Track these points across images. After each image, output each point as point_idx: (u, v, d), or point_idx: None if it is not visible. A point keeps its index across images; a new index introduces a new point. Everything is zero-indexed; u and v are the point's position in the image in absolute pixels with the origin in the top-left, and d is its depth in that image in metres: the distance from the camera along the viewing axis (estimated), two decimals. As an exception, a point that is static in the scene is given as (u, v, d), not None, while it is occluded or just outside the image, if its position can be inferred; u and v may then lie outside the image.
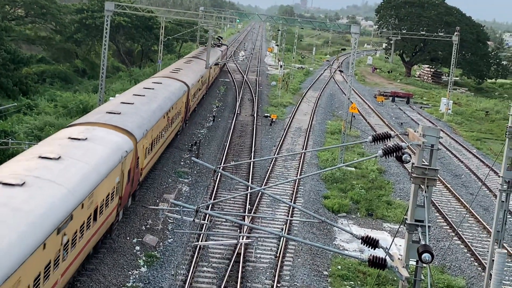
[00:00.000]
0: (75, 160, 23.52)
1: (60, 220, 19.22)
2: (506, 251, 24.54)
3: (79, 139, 26.10)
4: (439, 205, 40.11)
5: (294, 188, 39.91)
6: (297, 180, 41.68)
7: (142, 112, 34.64)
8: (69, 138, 26.16)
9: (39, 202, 18.94)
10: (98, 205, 23.91)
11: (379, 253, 13.21)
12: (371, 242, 12.89)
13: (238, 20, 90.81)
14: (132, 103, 35.64)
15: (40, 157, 22.51)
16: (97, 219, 23.97)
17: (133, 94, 39.20)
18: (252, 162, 44.05)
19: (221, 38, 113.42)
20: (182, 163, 43.71)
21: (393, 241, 16.35)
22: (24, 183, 19.42)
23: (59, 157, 22.87)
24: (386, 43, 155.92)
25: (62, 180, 21.20)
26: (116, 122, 30.70)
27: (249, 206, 35.61)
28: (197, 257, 28.24)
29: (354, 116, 64.00)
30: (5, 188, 18.75)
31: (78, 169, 22.83)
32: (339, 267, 29.41)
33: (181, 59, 75.89)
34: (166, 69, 59.09)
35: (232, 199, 36.42)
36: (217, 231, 31.40)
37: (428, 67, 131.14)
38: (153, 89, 41.88)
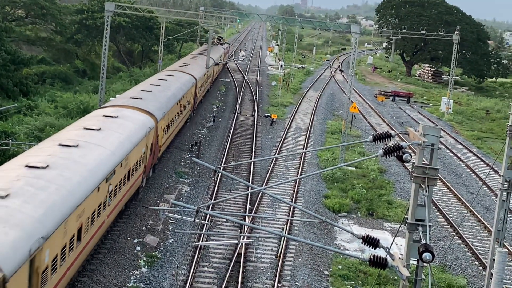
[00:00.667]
0: (112, 131, 29.05)
1: (107, 172, 24.88)
2: (507, 250, 24.53)
3: (112, 117, 31.39)
4: (439, 205, 40.10)
5: (294, 188, 39.91)
6: (298, 180, 41.67)
7: (160, 98, 40.31)
8: (103, 115, 31.56)
9: (91, 158, 24.57)
10: (131, 168, 29.42)
11: (380, 252, 13.20)
12: (371, 242, 12.88)
13: (238, 20, 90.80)
14: (151, 91, 40.91)
15: (84, 128, 28.34)
16: (129, 179, 29.55)
17: (150, 84, 44.41)
18: (252, 162, 44.05)
19: (222, 38, 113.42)
20: (182, 163, 43.72)
21: (393, 240, 16.34)
22: (77, 145, 25.05)
23: (100, 129, 28.48)
24: (386, 42, 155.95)
25: (105, 144, 26.84)
26: (140, 105, 36.08)
27: (249, 206, 35.61)
28: (197, 257, 28.24)
29: (354, 116, 64.00)
30: (64, 148, 24.52)
31: (115, 137, 28.37)
32: (340, 266, 29.41)
33: (188, 55, 78.83)
34: (175, 63, 65.28)
35: (232, 199, 36.43)
36: (218, 231, 31.41)
37: (428, 67, 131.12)
38: (166, 80, 47.30)
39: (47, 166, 21.60)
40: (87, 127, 28.42)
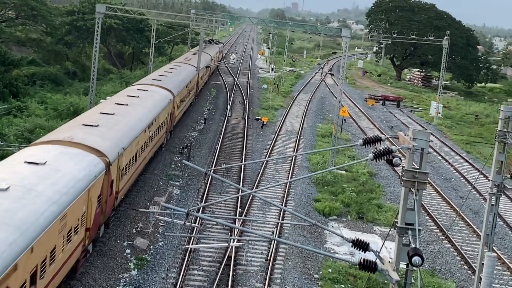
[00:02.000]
0: (146, 98, 40.09)
1: (148, 122, 36.56)
2: (495, 254, 24.66)
3: (144, 90, 42.91)
4: (429, 209, 40.24)
5: (285, 191, 39.94)
6: (288, 183, 41.73)
7: (175, 80, 52.53)
8: (137, 89, 42.80)
9: (138, 112, 35.94)
10: (160, 125, 41.16)
11: (370, 256, 13.24)
12: (361, 245, 12.92)
13: (229, 23, 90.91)
14: (166, 76, 52.48)
15: (128, 95, 39.44)
16: (159, 132, 41.50)
17: (165, 71, 55.56)
18: (243, 165, 44.07)
19: (212, 40, 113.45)
20: (173, 166, 43.68)
21: (383, 244, 16.40)
22: (127, 104, 36.52)
23: (138, 96, 39.62)
24: (376, 46, 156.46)
25: (144, 105, 38.17)
26: (162, 84, 47.49)
27: (240, 209, 35.61)
28: (187, 260, 28.22)
29: (345, 120, 64.15)
30: (120, 106, 35.56)
31: (149, 102, 39.40)
32: (330, 270, 29.46)
33: (189, 52, 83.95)
34: (181, 57, 78.50)
35: (223, 202, 36.44)
36: (208, 234, 31.41)
37: (418, 71, 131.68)
38: (178, 67, 59.97)
39: (114, 113, 33.12)
40: (130, 95, 39.57)
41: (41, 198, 19.72)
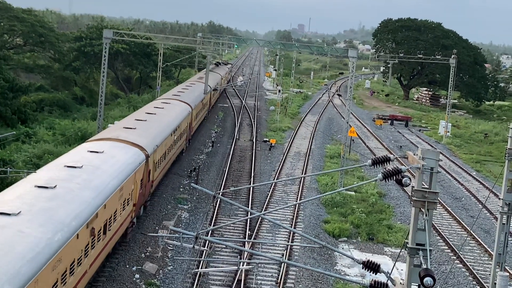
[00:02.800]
0: (169, 111, 46.82)
1: (173, 128, 43.46)
2: (508, 274, 24.37)
3: (166, 103, 49.68)
4: (440, 228, 39.93)
5: (294, 213, 39.75)
6: (297, 205, 41.53)
7: (192, 96, 59.47)
8: (155, 107, 47.18)
9: (164, 120, 43.02)
10: (181, 132, 48.24)
11: (381, 277, 13.08)
12: (372, 267, 12.77)
13: (236, 46, 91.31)
14: (183, 92, 59.54)
15: (146, 113, 43.55)
16: (181, 138, 48.45)
17: (182, 88, 63.98)
18: (251, 187, 43.93)
19: (220, 63, 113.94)
20: (181, 189, 43.60)
21: (394, 265, 16.22)
22: (146, 119, 40.85)
23: (156, 113, 43.97)
24: (383, 66, 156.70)
25: (169, 114, 45.56)
26: (181, 98, 54.45)
27: (249, 232, 35.42)
28: (197, 284, 28.01)
29: (353, 140, 64.01)
30: (139, 121, 39.70)
31: (172, 114, 45.97)
32: (341, 292, 29.16)
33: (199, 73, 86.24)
34: (196, 75, 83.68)
35: (232, 224, 36.26)
36: (217, 258, 31.20)
37: (426, 90, 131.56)
38: (193, 85, 67.76)
39: (146, 120, 40.61)
40: (156, 106, 47.03)
41: (105, 174, 26.74)
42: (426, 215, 12.40)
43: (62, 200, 21.87)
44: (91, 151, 29.34)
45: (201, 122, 66.94)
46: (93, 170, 26.25)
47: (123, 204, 28.26)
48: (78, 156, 28.20)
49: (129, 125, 37.52)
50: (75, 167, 25.79)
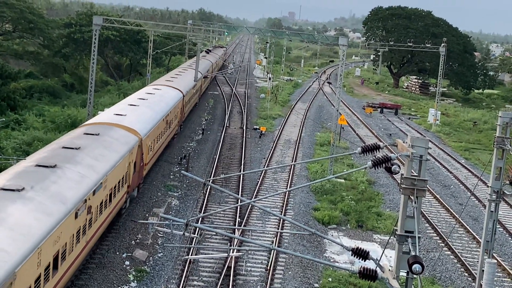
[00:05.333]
0: (163, 95, 48.34)
1: (166, 112, 44.43)
2: (495, 261, 24.62)
3: (158, 89, 50.58)
4: (428, 216, 40.18)
5: (284, 200, 39.88)
6: (287, 192, 41.66)
7: (184, 82, 60.15)
8: (153, 88, 50.78)
9: (160, 105, 44.60)
10: (173, 118, 48.80)
11: (370, 264, 13.20)
12: (361, 254, 12.88)
13: (226, 33, 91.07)
14: (177, 78, 61.55)
15: (146, 93, 47.52)
16: (171, 125, 48.24)
17: (175, 74, 65.80)
18: (241, 175, 44.01)
19: (210, 51, 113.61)
20: (171, 176, 43.62)
21: (383, 252, 16.35)
22: (147, 98, 44.54)
23: (154, 94, 47.46)
24: (373, 54, 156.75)
25: (163, 99, 47.06)
26: (172, 84, 55.24)
27: (239, 219, 35.54)
28: (187, 271, 28.12)
29: (343, 128, 64.14)
30: (139, 99, 43.71)
31: (166, 99, 47.48)
32: (330, 279, 29.36)
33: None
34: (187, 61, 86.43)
35: (222, 212, 36.35)
36: (207, 245, 31.31)
37: (415, 78, 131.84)
38: (185, 71, 69.24)
39: (138, 105, 41.40)
40: (148, 92, 47.77)
41: (101, 155, 28.25)
42: (415, 203, 12.51)
43: (62, 178, 23.35)
44: (87, 133, 30.90)
45: (192, 108, 67.73)
46: (89, 152, 27.69)
47: (118, 185, 29.48)
48: (75, 139, 29.63)
49: (122, 110, 38.61)
50: (72, 148, 27.30)
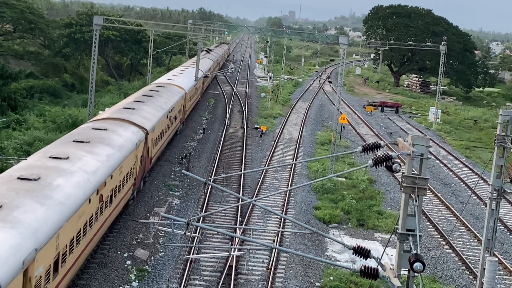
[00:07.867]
0: (167, 92, 49.85)
1: (170, 108, 46.08)
2: (497, 259, 24.61)
3: (162, 86, 52.15)
4: (429, 214, 40.19)
5: (285, 200, 39.89)
6: (288, 191, 41.68)
7: (186, 79, 62.24)
8: (157, 86, 52.28)
9: (162, 99, 46.08)
10: (176, 113, 50.05)
11: (371, 263, 13.21)
12: (362, 252, 12.90)
13: (227, 33, 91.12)
14: (180, 73, 64.65)
15: (150, 90, 48.89)
16: (174, 121, 49.47)
17: (177, 72, 66.78)
18: (242, 174, 44.02)
19: (211, 50, 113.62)
20: (172, 176, 43.64)
21: (384, 250, 16.37)
22: (152, 96, 45.47)
23: (159, 91, 48.92)
24: (374, 53, 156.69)
25: (166, 95, 48.65)
26: (174, 82, 56.85)
27: (240, 218, 35.55)
28: (188, 271, 28.14)
29: (343, 127, 64.15)
30: (146, 96, 45.05)
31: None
32: (331, 278, 29.38)
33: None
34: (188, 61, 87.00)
35: (223, 211, 36.37)
36: (209, 244, 31.33)
37: (416, 77, 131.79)
38: (187, 70, 70.44)
39: (144, 102, 42.41)
40: (152, 89, 49.12)
41: (110, 148, 29.27)
42: (416, 201, 12.53)
43: (75, 168, 24.79)
44: (95, 129, 32.03)
45: (194, 106, 68.37)
46: (98, 145, 28.82)
47: (126, 177, 30.83)
48: (84, 133, 30.81)
49: (129, 106, 39.87)
50: (83, 141, 28.53)
